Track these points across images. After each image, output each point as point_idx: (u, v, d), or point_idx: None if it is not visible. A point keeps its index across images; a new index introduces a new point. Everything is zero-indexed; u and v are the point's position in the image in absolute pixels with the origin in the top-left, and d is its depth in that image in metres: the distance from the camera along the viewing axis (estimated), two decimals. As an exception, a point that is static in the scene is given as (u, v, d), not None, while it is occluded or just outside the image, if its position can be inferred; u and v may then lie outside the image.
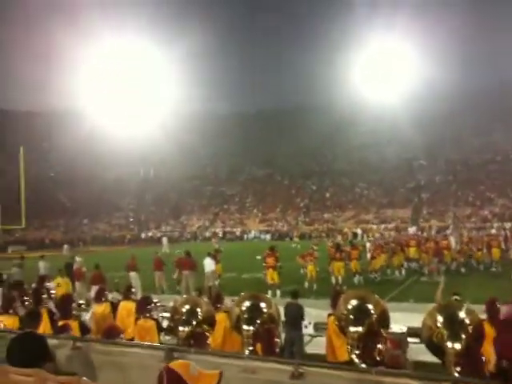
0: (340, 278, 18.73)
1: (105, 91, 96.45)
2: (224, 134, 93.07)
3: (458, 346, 4.70)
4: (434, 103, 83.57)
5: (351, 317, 5.67)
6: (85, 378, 4.38)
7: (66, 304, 7.99)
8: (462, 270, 22.07)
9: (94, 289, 13.49)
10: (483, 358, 5.05)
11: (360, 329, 5.49)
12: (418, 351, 8.24)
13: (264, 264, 18.48)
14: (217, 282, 19.22)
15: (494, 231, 34.05)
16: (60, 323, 7.53)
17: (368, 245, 24.74)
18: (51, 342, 5.62)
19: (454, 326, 4.90)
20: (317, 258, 19.51)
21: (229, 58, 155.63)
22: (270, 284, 17.57)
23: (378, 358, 5.45)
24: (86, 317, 9.67)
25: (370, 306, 5.71)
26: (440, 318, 4.98)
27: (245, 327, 6.39)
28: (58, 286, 13.34)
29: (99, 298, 9.62)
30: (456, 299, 6.90)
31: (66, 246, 45.65)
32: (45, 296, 9.80)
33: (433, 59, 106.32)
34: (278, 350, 7.09)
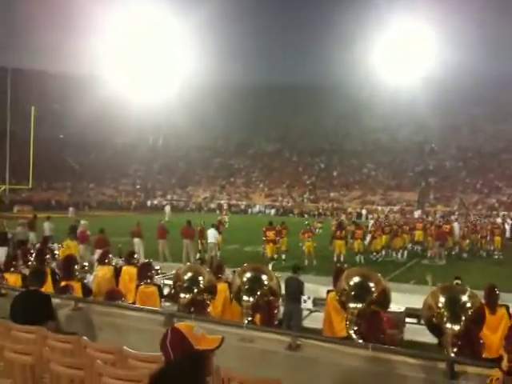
0: (342, 257, 18.80)
1: (121, 58, 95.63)
2: (238, 107, 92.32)
3: (457, 327, 4.73)
4: (452, 88, 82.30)
5: (352, 293, 5.71)
6: (85, 338, 4.46)
7: (69, 265, 8.07)
8: (465, 255, 22.09)
9: (98, 252, 13.63)
10: (481, 341, 5.09)
11: (360, 305, 5.54)
12: (414, 332, 8.34)
13: (264, 238, 18.67)
14: (218, 253, 19.43)
15: (499, 220, 33.89)
16: (62, 283, 7.62)
17: (370, 225, 24.66)
18: (54, 301, 5.70)
19: (455, 308, 4.93)
20: (314, 235, 19.51)
21: (247, 31, 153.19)
22: (269, 257, 17.87)
23: (375, 335, 5.51)
24: (89, 279, 9.78)
25: (372, 284, 5.74)
26: (442, 299, 5.01)
27: (245, 298, 6.45)
28: (66, 248, 13.43)
29: (103, 260, 9.71)
30: (457, 283, 6.90)
31: (71, 209, 45.93)
32: (48, 256, 9.92)
33: (453, 43, 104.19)
34: (276, 322, 7.18)
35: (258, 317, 6.50)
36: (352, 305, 5.50)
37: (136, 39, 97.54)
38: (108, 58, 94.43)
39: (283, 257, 19.49)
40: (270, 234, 18.35)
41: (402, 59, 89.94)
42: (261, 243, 20.11)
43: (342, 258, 18.75)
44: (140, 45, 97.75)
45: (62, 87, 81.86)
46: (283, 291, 8.22)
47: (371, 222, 26.10)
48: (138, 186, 74.52)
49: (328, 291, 7.35)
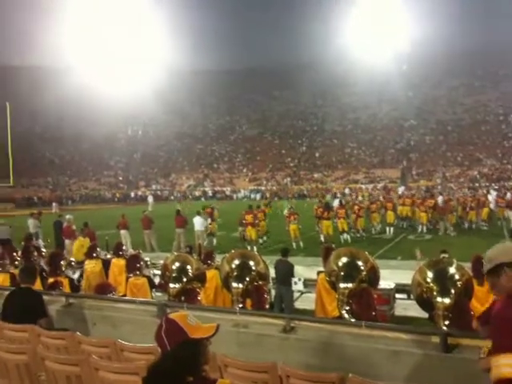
0: (328, 237, 18.93)
1: (93, 47, 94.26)
2: (214, 93, 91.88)
3: (447, 300, 4.81)
4: (427, 62, 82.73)
5: (342, 273, 5.76)
6: (78, 333, 4.44)
7: (56, 261, 8.01)
8: (450, 228, 22.32)
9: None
10: (472, 312, 5.18)
11: (350, 285, 5.60)
12: (405, 307, 8.46)
13: (243, 221, 18.76)
14: (214, 240, 19.48)
15: (481, 192, 34.33)
16: (50, 280, 7.56)
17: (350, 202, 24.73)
18: (44, 298, 5.66)
19: (443, 282, 5.00)
20: (299, 216, 19.54)
21: (219, 15, 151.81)
22: (248, 240, 18.03)
23: (366, 313, 5.58)
24: (76, 275, 9.73)
25: (360, 263, 5.80)
26: (430, 274, 5.08)
27: (234, 285, 6.47)
28: (79, 246, 13.23)
29: (91, 253, 9.64)
30: (444, 257, 6.98)
31: (54, 204, 45.49)
32: (35, 254, 9.82)
33: (427, 17, 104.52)
34: (267, 306, 7.22)
35: (248, 302, 6.53)
36: (342, 285, 5.55)
37: (108, 28, 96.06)
38: (79, 48, 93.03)
39: (264, 238, 19.58)
40: (249, 218, 18.46)
41: (377, 34, 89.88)
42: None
43: (328, 239, 18.88)
44: (112, 33, 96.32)
45: (35, 80, 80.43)
46: (273, 275, 8.27)
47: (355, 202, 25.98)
48: (121, 178, 73.92)
49: (318, 272, 7.40)
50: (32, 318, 4.91)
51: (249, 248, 16.88)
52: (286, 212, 20.89)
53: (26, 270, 5.69)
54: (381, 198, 27.94)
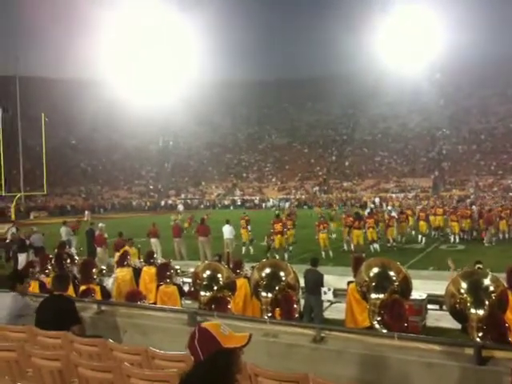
0: (358, 247, 18.75)
1: (124, 60, 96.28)
2: (245, 103, 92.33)
3: (481, 312, 4.70)
4: (460, 71, 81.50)
5: (373, 284, 5.70)
6: (110, 340, 4.49)
7: (88, 269, 8.14)
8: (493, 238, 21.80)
9: (117, 255, 13.71)
10: (506, 324, 5.05)
11: (382, 295, 5.52)
12: (437, 318, 8.31)
13: (272, 230, 18.63)
14: (251, 248, 19.59)
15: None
16: (82, 287, 7.68)
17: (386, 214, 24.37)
18: (76, 305, 5.75)
19: (478, 293, 4.89)
20: (328, 225, 19.46)
21: (250, 26, 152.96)
22: (276, 249, 17.88)
23: (398, 324, 5.49)
24: (108, 282, 9.85)
25: (392, 273, 5.73)
26: (464, 285, 4.98)
27: (263, 294, 6.47)
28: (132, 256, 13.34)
29: (122, 261, 9.77)
30: (479, 267, 6.84)
31: (87, 212, 46.28)
32: (68, 261, 10.00)
33: (459, 26, 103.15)
34: (296, 315, 7.19)
35: (277, 311, 6.51)
36: (374, 295, 5.48)
37: (139, 41, 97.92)
38: (111, 61, 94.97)
39: (290, 248, 19.46)
40: (278, 226, 18.39)
41: (407, 44, 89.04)
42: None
43: (357, 248, 18.75)
44: (143, 46, 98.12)
45: (69, 92, 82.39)
46: (302, 284, 8.23)
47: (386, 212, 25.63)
48: (151, 187, 74.84)
49: (348, 282, 7.34)
50: (65, 324, 4.98)
51: (277, 257, 16.87)
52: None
53: (59, 278, 5.78)
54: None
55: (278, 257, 16.92)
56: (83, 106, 77.07)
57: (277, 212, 23.77)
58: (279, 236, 18.28)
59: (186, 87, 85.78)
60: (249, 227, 20.36)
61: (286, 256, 17.75)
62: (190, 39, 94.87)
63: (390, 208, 30.22)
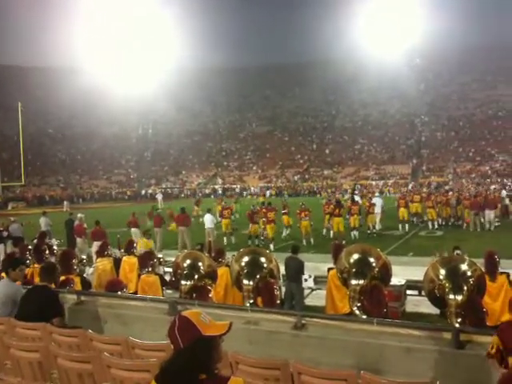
0: (338, 234, 18.86)
1: (104, 47, 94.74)
2: (225, 90, 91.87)
3: (459, 297, 4.77)
4: (439, 58, 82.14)
5: (353, 270, 5.74)
6: (90, 331, 4.46)
7: (67, 259, 8.05)
8: (461, 223, 22.15)
9: (96, 244, 13.58)
10: (484, 309, 5.14)
11: (362, 281, 5.57)
12: (416, 303, 8.43)
13: (264, 219, 18.59)
14: (233, 238, 19.45)
15: (493, 187, 34.09)
16: (62, 278, 7.59)
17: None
18: (55, 295, 5.67)
19: (456, 279, 4.96)
20: (310, 213, 19.52)
21: (229, 14, 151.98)
22: (271, 238, 17.90)
23: (378, 310, 5.55)
24: (88, 272, 9.77)
25: (372, 260, 5.77)
26: (443, 271, 5.04)
27: (245, 282, 6.47)
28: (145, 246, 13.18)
29: (102, 251, 9.69)
30: (457, 253, 6.93)
31: (66, 203, 45.73)
32: (47, 252, 9.88)
33: (438, 12, 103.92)
34: (278, 302, 7.22)
35: (259, 299, 6.53)
36: (354, 281, 5.52)
37: (119, 27, 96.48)
38: (91, 49, 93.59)
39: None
40: (271, 215, 18.33)
41: (387, 30, 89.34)
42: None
43: (337, 235, 18.87)
44: (123, 33, 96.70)
45: (45, 80, 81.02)
46: (283, 272, 8.26)
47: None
48: (131, 176, 74.24)
49: (329, 269, 7.38)
50: (48, 315, 4.94)
51: (271, 247, 16.93)
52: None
53: (47, 268, 5.73)
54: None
55: (272, 247, 17.01)
56: (60, 95, 75.83)
57: (267, 200, 23.70)
58: (272, 225, 18.22)
59: (165, 74, 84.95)
60: (232, 217, 20.30)
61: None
62: (170, 26, 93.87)
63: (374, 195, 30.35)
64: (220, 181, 68.90)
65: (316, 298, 8.99)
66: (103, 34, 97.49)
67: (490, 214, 20.65)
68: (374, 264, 5.68)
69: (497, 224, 21.54)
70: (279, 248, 16.71)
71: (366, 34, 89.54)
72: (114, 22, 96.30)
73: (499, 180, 48.58)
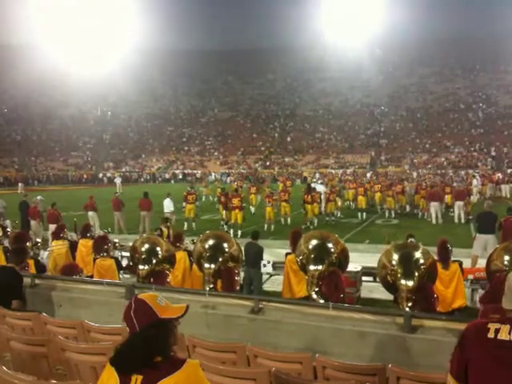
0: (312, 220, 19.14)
1: (62, 25, 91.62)
2: (186, 74, 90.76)
3: (410, 283, 4.92)
4: (400, 50, 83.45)
5: (312, 255, 5.82)
6: (44, 314, 4.38)
7: (20, 242, 7.85)
8: (417, 212, 22.67)
9: (52, 227, 13.29)
10: (435, 295, 5.31)
11: (320, 267, 5.66)
12: (371, 289, 8.62)
13: (231, 205, 18.49)
14: (194, 224, 19.09)
15: (448, 177, 35.03)
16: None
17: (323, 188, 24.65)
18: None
19: (408, 265, 5.11)
20: (276, 201, 19.67)
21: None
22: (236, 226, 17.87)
23: (335, 295, 5.66)
24: (43, 255, 9.57)
25: (331, 245, 5.87)
26: (396, 257, 5.18)
27: (206, 265, 6.48)
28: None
29: (58, 234, 9.50)
30: (411, 241, 7.11)
31: (20, 185, 44.48)
32: (0, 234, 9.63)
33: (400, 4, 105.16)
34: (237, 287, 7.26)
35: (219, 283, 6.55)
36: (313, 267, 5.60)
37: (78, 5, 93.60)
38: (47, 27, 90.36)
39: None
40: (236, 201, 18.21)
41: (349, 20, 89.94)
42: (217, 211, 20.12)
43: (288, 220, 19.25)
44: (82, 11, 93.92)
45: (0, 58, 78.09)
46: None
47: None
48: (89, 159, 72.62)
49: (286, 254, 7.46)
50: (8, 298, 4.86)
51: (239, 233, 16.95)
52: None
53: (16, 250, 5.61)
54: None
55: (239, 232, 16.98)
56: (16, 74, 73.20)
57: (234, 186, 23.47)
58: (237, 211, 18.12)
59: (126, 56, 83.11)
60: (197, 203, 20.08)
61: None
62: (131, 6, 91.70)
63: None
64: (180, 166, 68.26)
65: (275, 283, 9.08)
66: (62, 12, 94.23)
67: (459, 205, 20.29)
68: (332, 250, 5.77)
69: (470, 217, 19.97)
70: (244, 233, 16.73)
71: (330, 23, 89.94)
72: (73, 0, 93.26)
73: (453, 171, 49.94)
